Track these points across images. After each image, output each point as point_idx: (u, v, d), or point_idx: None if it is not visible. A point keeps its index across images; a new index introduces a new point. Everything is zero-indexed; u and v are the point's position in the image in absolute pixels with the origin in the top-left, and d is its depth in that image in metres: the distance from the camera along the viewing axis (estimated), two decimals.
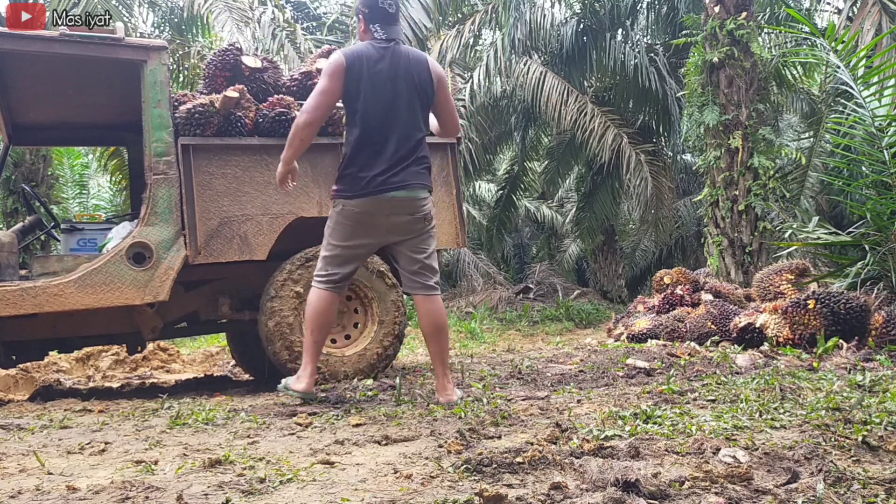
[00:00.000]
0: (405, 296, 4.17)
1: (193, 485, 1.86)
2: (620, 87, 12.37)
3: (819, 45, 6.08)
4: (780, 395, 2.90)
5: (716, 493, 1.63)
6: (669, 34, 11.80)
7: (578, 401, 3.05)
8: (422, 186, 3.27)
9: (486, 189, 17.29)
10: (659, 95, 11.48)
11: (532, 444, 2.17)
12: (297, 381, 3.29)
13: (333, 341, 4.18)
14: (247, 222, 4.06)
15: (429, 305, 3.30)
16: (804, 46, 8.41)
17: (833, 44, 5.58)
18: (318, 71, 4.38)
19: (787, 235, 6.68)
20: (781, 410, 2.60)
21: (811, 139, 12.63)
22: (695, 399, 2.96)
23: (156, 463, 2.16)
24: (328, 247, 3.32)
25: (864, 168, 5.90)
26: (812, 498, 1.58)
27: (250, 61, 4.32)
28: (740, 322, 5.20)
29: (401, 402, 3.23)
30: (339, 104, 3.41)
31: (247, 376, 5.38)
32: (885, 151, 5.23)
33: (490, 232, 15.14)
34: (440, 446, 2.22)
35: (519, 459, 1.92)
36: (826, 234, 5.82)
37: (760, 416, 2.52)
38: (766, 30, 10.21)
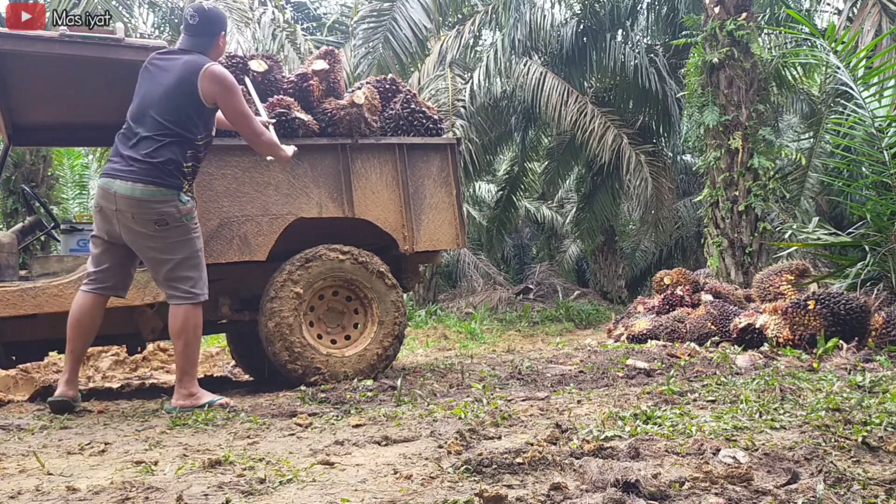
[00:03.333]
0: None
1: (193, 485, 1.86)
2: (620, 87, 12.38)
3: (819, 46, 6.08)
4: (780, 395, 2.90)
5: (716, 494, 1.63)
6: (669, 35, 11.81)
7: (578, 401, 3.05)
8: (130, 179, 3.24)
9: (486, 190, 17.29)
10: (659, 96, 11.49)
11: (532, 444, 2.17)
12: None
13: (334, 342, 4.18)
14: (246, 223, 4.05)
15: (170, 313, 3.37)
16: (804, 47, 8.42)
17: (833, 44, 5.58)
18: (315, 72, 4.38)
19: (787, 236, 6.68)
20: (781, 411, 2.60)
21: (811, 140, 12.63)
22: (695, 400, 2.96)
23: (156, 463, 2.16)
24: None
25: (863, 169, 5.91)
26: (812, 499, 1.58)
27: (256, 65, 4.30)
28: (740, 323, 5.20)
29: (401, 402, 3.23)
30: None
31: (247, 377, 5.38)
32: (884, 152, 5.24)
33: (490, 232, 15.15)
34: (440, 447, 2.22)
35: (519, 460, 1.92)
36: (826, 234, 5.82)
37: (760, 416, 2.52)
38: (766, 30, 10.21)
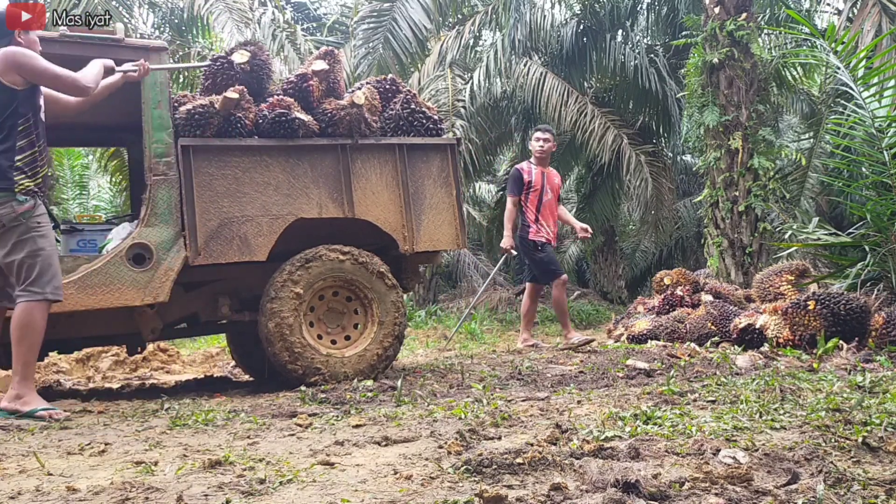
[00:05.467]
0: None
1: (193, 486, 1.86)
2: (620, 87, 12.37)
3: (819, 46, 6.09)
4: (780, 396, 2.90)
5: (716, 494, 1.63)
6: (669, 35, 11.81)
7: (578, 402, 3.05)
8: None
9: (486, 190, 17.28)
10: (659, 96, 11.48)
11: (532, 444, 2.17)
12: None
13: (334, 342, 4.18)
14: (247, 223, 4.05)
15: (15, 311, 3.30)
16: (804, 47, 8.42)
17: (833, 45, 5.58)
18: (314, 73, 4.37)
19: (787, 236, 6.69)
20: (781, 411, 2.60)
21: (811, 140, 12.63)
22: (695, 400, 2.96)
23: (156, 464, 2.16)
24: None
25: (864, 169, 5.91)
26: (812, 499, 1.58)
27: (238, 58, 4.28)
28: (740, 323, 5.20)
29: (401, 402, 3.23)
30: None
31: (247, 377, 5.38)
32: (885, 152, 5.24)
33: (490, 232, 15.13)
34: (440, 447, 2.22)
35: (519, 460, 1.92)
36: (826, 235, 5.82)
37: (760, 417, 2.52)
38: (766, 31, 10.21)
